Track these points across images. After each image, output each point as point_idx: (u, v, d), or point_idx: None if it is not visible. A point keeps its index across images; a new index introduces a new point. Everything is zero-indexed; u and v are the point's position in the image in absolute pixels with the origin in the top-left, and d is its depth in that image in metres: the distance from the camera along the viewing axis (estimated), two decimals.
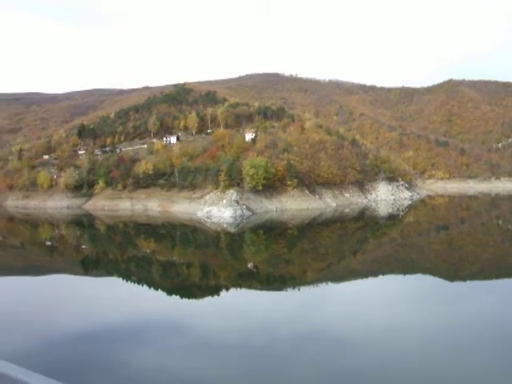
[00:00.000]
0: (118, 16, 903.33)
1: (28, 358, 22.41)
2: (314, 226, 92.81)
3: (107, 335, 27.85)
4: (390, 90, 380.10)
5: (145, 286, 45.58)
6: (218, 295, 40.64)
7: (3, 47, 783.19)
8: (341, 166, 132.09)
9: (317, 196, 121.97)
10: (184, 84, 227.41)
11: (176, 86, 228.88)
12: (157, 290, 43.55)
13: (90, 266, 58.89)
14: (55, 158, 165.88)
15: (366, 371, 22.37)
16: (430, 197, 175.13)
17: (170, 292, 42.33)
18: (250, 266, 56.38)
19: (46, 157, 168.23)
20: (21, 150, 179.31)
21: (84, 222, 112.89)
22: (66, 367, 22.20)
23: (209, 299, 39.83)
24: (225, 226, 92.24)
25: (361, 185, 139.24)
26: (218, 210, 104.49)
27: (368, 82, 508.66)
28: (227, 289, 43.51)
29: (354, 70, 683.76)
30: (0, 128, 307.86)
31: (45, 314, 33.37)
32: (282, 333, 27.96)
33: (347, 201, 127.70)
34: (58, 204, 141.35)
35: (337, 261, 58.79)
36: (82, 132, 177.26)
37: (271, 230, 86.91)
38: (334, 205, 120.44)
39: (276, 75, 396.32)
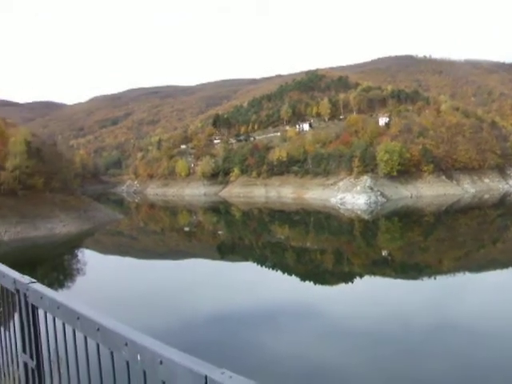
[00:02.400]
0: (249, 7, 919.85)
1: (167, 336, 20.44)
2: (451, 213, 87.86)
3: (242, 318, 27.51)
4: None
5: (279, 271, 44.61)
6: (352, 282, 39.39)
7: (143, 45, 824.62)
8: (479, 150, 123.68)
9: (454, 182, 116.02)
10: (316, 70, 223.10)
11: (307, 72, 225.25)
12: (290, 275, 42.70)
13: (226, 251, 58.91)
14: (192, 148, 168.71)
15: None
16: None
17: (303, 278, 41.07)
18: (384, 253, 54.15)
19: (183, 146, 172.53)
20: (160, 141, 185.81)
21: (220, 209, 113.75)
22: (203, 347, 21.09)
23: (342, 286, 39.14)
24: (358, 212, 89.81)
25: (501, 170, 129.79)
26: (351, 196, 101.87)
27: (508, 59, 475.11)
28: (361, 276, 41.87)
29: (490, 47, 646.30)
30: (140, 120, 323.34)
31: (183, 296, 33.36)
32: (417, 322, 26.35)
33: (486, 186, 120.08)
34: (196, 191, 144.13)
35: (475, 250, 54.81)
36: (217, 122, 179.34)
37: (406, 217, 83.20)
38: (473, 191, 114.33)
39: (409, 57, 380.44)
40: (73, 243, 62.97)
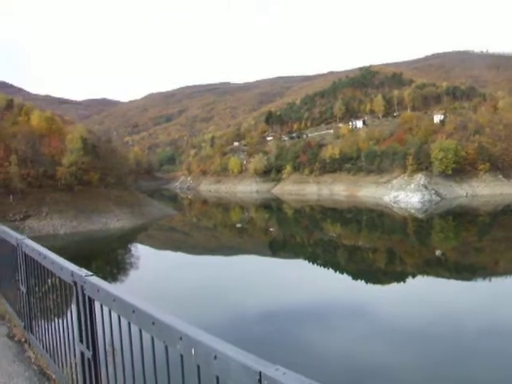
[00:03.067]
0: (301, 3, 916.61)
1: (216, 332, 19.03)
2: (508, 213, 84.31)
3: (293, 316, 26.96)
4: None
5: (330, 269, 44.09)
6: (404, 282, 38.74)
7: (198, 43, 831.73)
8: None
9: None
10: (369, 67, 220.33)
11: (361, 69, 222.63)
12: (342, 274, 42.17)
13: (278, 248, 58.12)
14: (245, 145, 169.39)
15: None
16: None
17: (354, 277, 40.76)
18: (437, 253, 52.42)
19: (236, 143, 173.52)
20: (213, 138, 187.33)
21: (272, 206, 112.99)
22: (252, 343, 20.14)
23: (394, 285, 38.34)
24: (412, 211, 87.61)
25: None
26: (405, 194, 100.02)
27: None
28: (414, 276, 40.93)
29: None
30: (194, 117, 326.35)
31: (234, 292, 33.11)
32: (470, 325, 25.48)
33: None
34: (248, 188, 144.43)
35: None
36: (270, 119, 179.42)
37: (461, 217, 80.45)
38: None
39: (465, 52, 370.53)
40: (126, 238, 64.02)
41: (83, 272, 3.85)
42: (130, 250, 55.71)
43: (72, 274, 3.98)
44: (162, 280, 36.60)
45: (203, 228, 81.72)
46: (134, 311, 2.93)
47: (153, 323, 2.72)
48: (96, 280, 3.62)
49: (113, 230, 65.30)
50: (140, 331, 2.91)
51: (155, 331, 2.72)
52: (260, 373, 2.00)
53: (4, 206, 64.45)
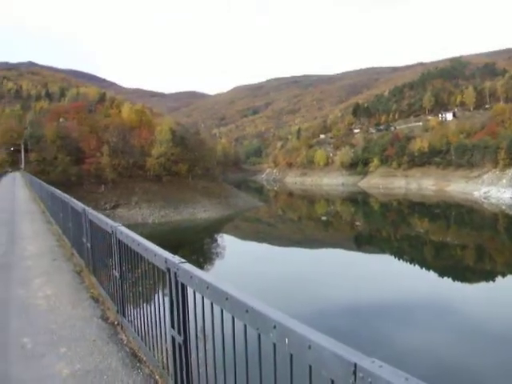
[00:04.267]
0: None
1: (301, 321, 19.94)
2: None
3: (377, 310, 26.88)
4: None
5: (416, 265, 43.09)
6: (493, 281, 37.06)
7: (284, 35, 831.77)
8: None
9: None
10: (460, 57, 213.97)
11: (451, 60, 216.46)
12: (428, 270, 41.02)
13: (363, 242, 57.56)
14: (331, 137, 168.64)
15: None
16: None
17: (441, 274, 39.36)
18: None
19: (322, 136, 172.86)
20: (299, 130, 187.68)
21: (358, 200, 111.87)
22: (337, 335, 18.60)
23: (482, 284, 36.69)
24: (503, 207, 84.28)
25: None
26: (496, 190, 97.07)
27: None
28: (504, 275, 39.27)
29: None
30: (280, 109, 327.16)
31: (318, 284, 33.00)
32: None
33: None
34: (334, 181, 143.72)
35: None
36: (357, 111, 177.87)
37: None
38: None
39: None
40: (213, 228, 65.07)
41: (177, 259, 3.92)
42: (216, 240, 56.48)
43: (166, 260, 4.05)
44: (246, 270, 36.91)
45: (288, 220, 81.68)
46: (227, 298, 2.95)
47: (246, 311, 2.74)
48: (189, 267, 3.68)
49: (199, 220, 66.53)
50: (233, 319, 2.94)
51: (248, 319, 2.74)
52: (355, 364, 1.97)
53: (96, 195, 66.83)
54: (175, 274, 3.85)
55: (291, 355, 2.42)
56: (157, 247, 4.53)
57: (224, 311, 3.07)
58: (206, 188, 79.01)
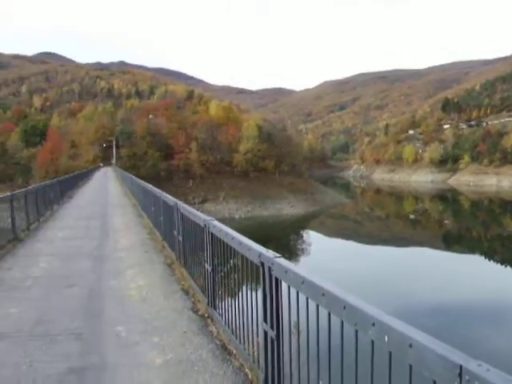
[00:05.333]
0: None
1: None
2: None
3: (466, 312, 26.28)
4: None
5: (508, 267, 41.44)
6: None
7: (371, 29, 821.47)
8: None
9: None
10: None
11: None
12: None
13: (452, 241, 55.98)
14: (420, 133, 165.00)
15: None
16: None
17: None
18: None
19: (410, 132, 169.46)
20: (387, 126, 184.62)
21: (448, 197, 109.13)
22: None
23: None
24: None
25: None
26: None
27: None
28: None
29: None
30: (367, 105, 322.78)
31: (404, 283, 32.53)
32: None
33: None
34: (422, 178, 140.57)
35: None
36: (447, 106, 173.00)
37: None
38: None
39: None
40: (298, 224, 65.09)
41: (271, 254, 3.92)
42: (302, 237, 56.64)
43: (260, 255, 4.07)
44: (332, 267, 36.26)
45: (375, 217, 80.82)
46: (323, 294, 2.91)
47: (344, 307, 2.69)
48: (284, 262, 3.66)
49: (285, 216, 66.75)
50: (329, 314, 2.90)
51: (346, 316, 2.69)
52: (461, 366, 1.89)
53: (184, 190, 68.23)
54: (269, 268, 3.86)
55: (390, 353, 2.36)
56: (251, 242, 4.57)
57: (320, 307, 3.04)
58: (292, 184, 79.15)
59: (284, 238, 56.08)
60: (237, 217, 64.87)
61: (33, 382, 4.66)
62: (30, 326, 6.21)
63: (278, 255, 3.85)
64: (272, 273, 3.82)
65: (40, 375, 4.78)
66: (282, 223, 64.23)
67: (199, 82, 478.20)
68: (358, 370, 2.73)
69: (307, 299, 3.21)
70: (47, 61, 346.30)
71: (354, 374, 2.73)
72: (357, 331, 2.63)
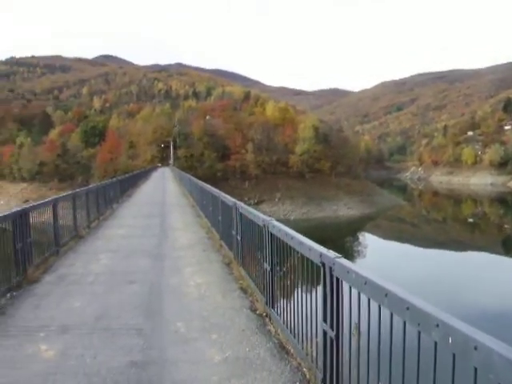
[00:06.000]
0: None
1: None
2: None
3: None
4: None
5: None
6: None
7: (429, 28, 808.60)
8: None
9: None
10: None
11: None
12: None
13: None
14: (479, 134, 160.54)
15: None
16: None
17: None
18: None
19: (470, 133, 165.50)
20: (445, 127, 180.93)
21: (508, 201, 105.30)
22: None
23: None
24: None
25: None
26: None
27: None
28: None
29: None
30: (426, 105, 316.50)
31: (461, 286, 32.12)
32: None
33: None
34: (481, 181, 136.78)
35: None
36: (508, 106, 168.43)
37: None
38: None
39: None
40: (354, 226, 64.61)
41: (332, 254, 3.94)
42: (358, 238, 56.34)
43: (321, 255, 4.09)
44: (388, 270, 35.78)
45: (432, 220, 79.14)
46: (386, 295, 2.91)
47: (407, 308, 2.68)
48: (346, 262, 3.68)
49: (342, 218, 66.33)
50: (391, 315, 2.90)
51: (409, 316, 2.68)
52: None
53: (240, 191, 68.60)
54: (330, 268, 3.87)
55: (454, 355, 2.34)
56: (311, 242, 4.59)
57: (382, 307, 3.03)
58: (348, 186, 78.57)
59: (340, 239, 55.75)
60: (292, 218, 64.79)
61: (97, 373, 4.83)
62: (92, 320, 6.42)
63: (339, 255, 3.86)
64: (333, 273, 3.83)
65: (103, 367, 4.95)
66: (338, 225, 63.84)
67: (256, 83, 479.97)
68: (420, 372, 2.69)
69: (369, 300, 3.22)
70: (106, 63, 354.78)
71: (415, 376, 2.71)
72: (420, 332, 2.62)
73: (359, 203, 73.37)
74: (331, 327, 3.93)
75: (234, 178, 76.53)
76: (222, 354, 5.22)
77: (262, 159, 78.17)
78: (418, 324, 2.60)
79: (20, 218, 8.55)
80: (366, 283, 3.21)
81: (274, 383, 4.54)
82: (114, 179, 29.12)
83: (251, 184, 75.20)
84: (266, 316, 6.29)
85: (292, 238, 5.03)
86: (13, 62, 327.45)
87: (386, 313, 2.99)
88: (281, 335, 5.65)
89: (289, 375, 4.68)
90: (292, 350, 5.18)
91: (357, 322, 3.50)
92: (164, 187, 40.36)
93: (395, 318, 2.88)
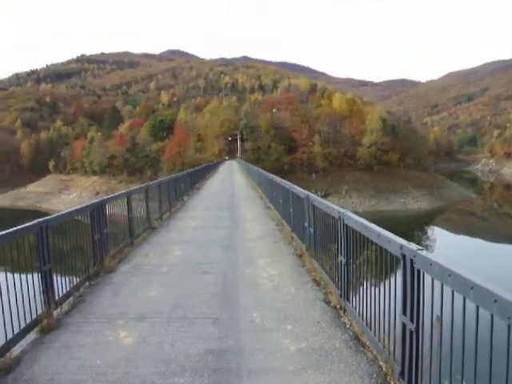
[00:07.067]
0: None
1: None
2: None
3: None
4: None
5: None
6: None
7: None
8: None
9: None
10: None
11: None
12: None
13: None
14: None
15: None
16: None
17: None
18: None
19: None
20: None
21: None
22: None
23: None
24: None
25: None
26: None
27: None
28: None
29: None
30: (497, 95, 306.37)
31: None
32: None
33: None
34: None
35: None
36: None
37: None
38: None
39: None
40: (423, 219, 63.36)
41: (413, 246, 3.87)
42: (427, 232, 55.20)
43: (401, 247, 4.04)
44: (457, 264, 35.41)
45: (504, 214, 76.27)
46: (472, 288, 2.86)
47: (495, 301, 2.63)
48: (428, 254, 3.61)
49: (410, 211, 65.22)
50: (477, 308, 2.84)
51: (496, 309, 2.63)
52: None
53: (307, 183, 68.30)
54: (411, 260, 3.83)
55: None
56: (390, 233, 4.54)
57: (467, 300, 2.98)
58: (416, 178, 77.13)
59: (409, 233, 54.71)
60: (360, 211, 64.00)
61: (175, 359, 4.98)
62: (168, 309, 6.60)
63: (420, 247, 3.80)
64: (414, 265, 3.79)
65: (181, 354, 5.10)
66: (406, 218, 62.73)
67: (322, 75, 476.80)
68: (510, 370, 2.64)
69: (452, 292, 3.16)
70: (173, 58, 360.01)
71: (505, 371, 2.65)
72: (509, 326, 2.56)
73: (428, 196, 71.91)
74: (411, 320, 3.89)
75: (300, 170, 76.44)
76: (297, 345, 5.26)
77: (329, 151, 77.71)
78: (508, 317, 2.54)
79: (97, 210, 8.83)
80: (450, 275, 3.16)
81: (351, 375, 4.54)
82: (185, 172, 29.60)
83: (318, 176, 74.91)
84: (341, 308, 6.29)
85: (370, 230, 4.97)
86: (84, 60, 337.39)
87: (470, 305, 2.93)
88: (356, 328, 5.63)
89: (365, 367, 4.67)
90: (368, 343, 5.17)
91: (438, 314, 3.46)
92: (232, 179, 40.71)
93: (481, 310, 2.82)
